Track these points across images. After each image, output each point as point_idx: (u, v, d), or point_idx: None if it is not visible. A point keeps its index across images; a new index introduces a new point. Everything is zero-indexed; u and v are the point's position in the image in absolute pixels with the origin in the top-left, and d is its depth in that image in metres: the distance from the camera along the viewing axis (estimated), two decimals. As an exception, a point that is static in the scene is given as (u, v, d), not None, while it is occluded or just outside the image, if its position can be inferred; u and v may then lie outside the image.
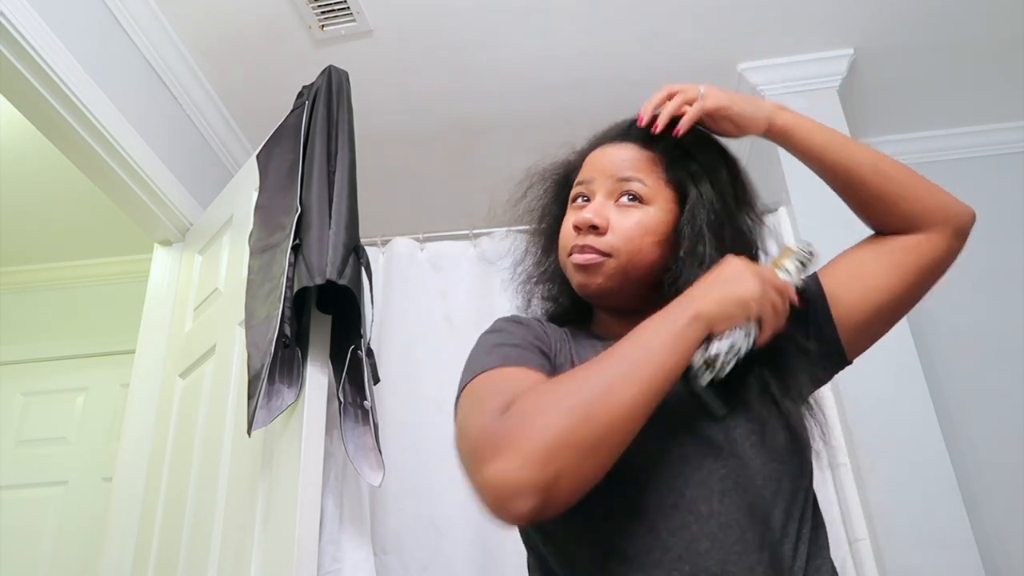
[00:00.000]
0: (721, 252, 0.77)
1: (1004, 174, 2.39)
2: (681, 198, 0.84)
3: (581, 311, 0.93)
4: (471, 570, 1.64)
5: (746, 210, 0.86)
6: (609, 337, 0.83)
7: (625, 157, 0.86)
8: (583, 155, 0.93)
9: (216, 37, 2.05)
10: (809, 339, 0.82)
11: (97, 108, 1.66)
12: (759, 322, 0.71)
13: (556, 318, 0.95)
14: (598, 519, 0.72)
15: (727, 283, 0.71)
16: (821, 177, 0.92)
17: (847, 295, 0.84)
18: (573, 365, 0.80)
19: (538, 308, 0.98)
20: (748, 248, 0.83)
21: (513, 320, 0.86)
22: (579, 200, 0.87)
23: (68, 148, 1.71)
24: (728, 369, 0.70)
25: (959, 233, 0.87)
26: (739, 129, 0.87)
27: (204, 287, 1.88)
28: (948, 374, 2.12)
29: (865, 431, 1.72)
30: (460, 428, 0.70)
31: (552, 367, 0.79)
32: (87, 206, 2.55)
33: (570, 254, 0.84)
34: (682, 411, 0.74)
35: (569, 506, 0.61)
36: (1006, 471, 1.99)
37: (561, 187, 0.95)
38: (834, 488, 1.68)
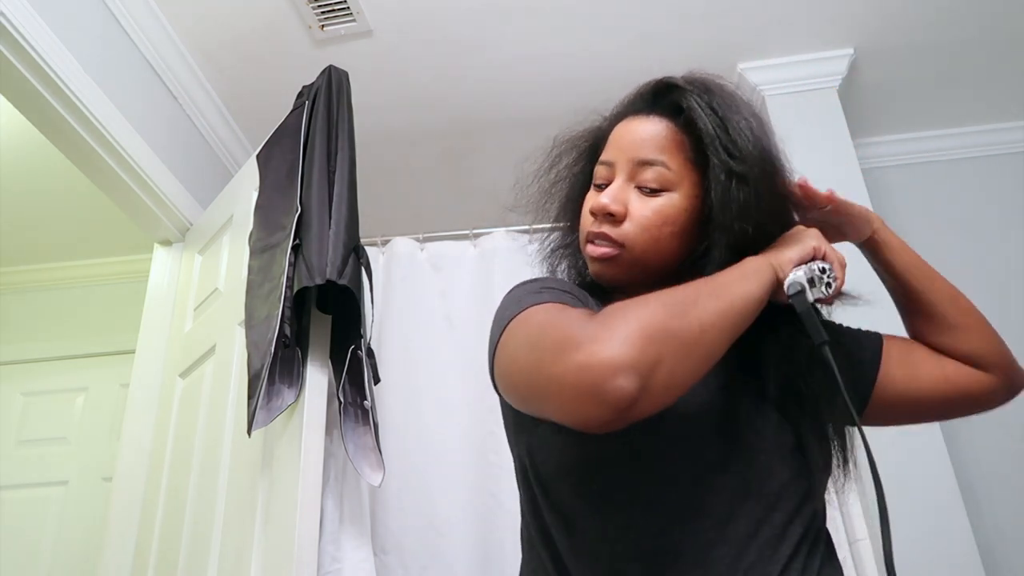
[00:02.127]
0: (743, 250, 0.73)
1: (1004, 174, 2.39)
2: (706, 182, 0.76)
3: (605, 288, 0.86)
4: (471, 570, 1.64)
5: (777, 203, 0.78)
6: None
7: (651, 134, 0.79)
8: (612, 122, 0.87)
9: (216, 37, 2.05)
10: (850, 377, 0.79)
11: (97, 108, 1.66)
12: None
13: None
14: (618, 516, 0.71)
15: (785, 239, 0.74)
16: (895, 295, 0.91)
17: (895, 370, 0.84)
18: None
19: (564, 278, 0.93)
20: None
21: (547, 277, 0.84)
22: (600, 181, 0.82)
23: (68, 148, 1.71)
24: (831, 289, 0.72)
25: (1010, 389, 0.88)
26: (840, 237, 0.85)
27: (204, 287, 1.88)
28: (948, 374, 2.12)
29: (864, 431, 1.72)
30: (523, 344, 0.66)
31: None
32: (87, 206, 2.55)
33: (587, 241, 0.81)
34: (708, 417, 0.72)
35: (665, 405, 0.58)
36: (1006, 471, 1.99)
37: (588, 158, 0.90)
38: (834, 488, 1.68)
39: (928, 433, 1.74)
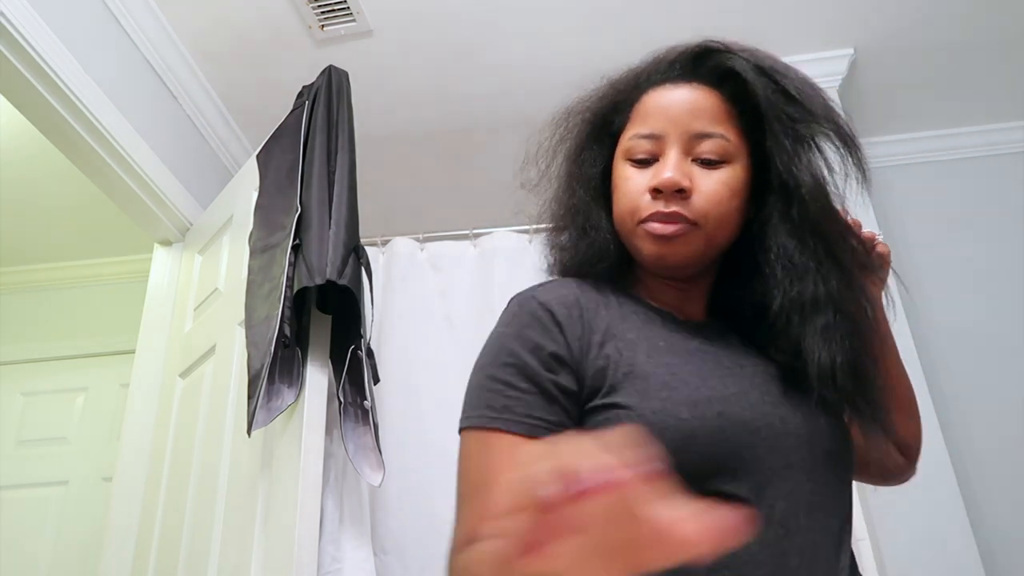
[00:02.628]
0: (811, 220, 0.72)
1: (1004, 174, 2.39)
2: (755, 151, 0.74)
3: (616, 267, 0.78)
4: (471, 570, 1.64)
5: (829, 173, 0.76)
6: (657, 303, 0.77)
7: (700, 105, 0.74)
8: (630, 93, 0.80)
9: (216, 37, 2.05)
10: None
11: (97, 108, 1.66)
12: None
13: (574, 270, 0.80)
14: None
15: None
16: None
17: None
18: (612, 346, 0.69)
19: (557, 258, 0.84)
20: (838, 217, 0.76)
21: (526, 324, 0.69)
22: (643, 156, 0.74)
23: (68, 148, 1.71)
24: None
25: (909, 477, 0.87)
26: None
27: (204, 287, 1.88)
28: (948, 374, 2.12)
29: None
30: (458, 483, 0.65)
31: (576, 378, 0.67)
32: (87, 206, 2.55)
33: (643, 221, 0.72)
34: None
35: None
36: (1006, 471, 1.99)
37: (602, 127, 0.82)
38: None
39: (928, 433, 1.74)
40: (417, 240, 2.02)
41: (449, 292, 1.94)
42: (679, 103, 0.74)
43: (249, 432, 1.34)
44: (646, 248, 0.73)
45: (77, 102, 1.60)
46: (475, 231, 2.02)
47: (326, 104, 1.61)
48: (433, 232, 2.04)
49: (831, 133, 0.76)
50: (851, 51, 2.16)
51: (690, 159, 0.73)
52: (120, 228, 2.47)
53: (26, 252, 2.91)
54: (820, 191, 0.74)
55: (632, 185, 0.74)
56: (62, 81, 1.55)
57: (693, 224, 0.71)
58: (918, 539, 1.62)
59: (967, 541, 1.64)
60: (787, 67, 0.76)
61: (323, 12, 1.98)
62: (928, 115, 2.39)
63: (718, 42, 0.77)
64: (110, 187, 1.84)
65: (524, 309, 0.71)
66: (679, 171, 0.71)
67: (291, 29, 2.03)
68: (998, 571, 1.84)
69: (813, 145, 0.75)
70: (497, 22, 2.04)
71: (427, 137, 2.44)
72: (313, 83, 1.68)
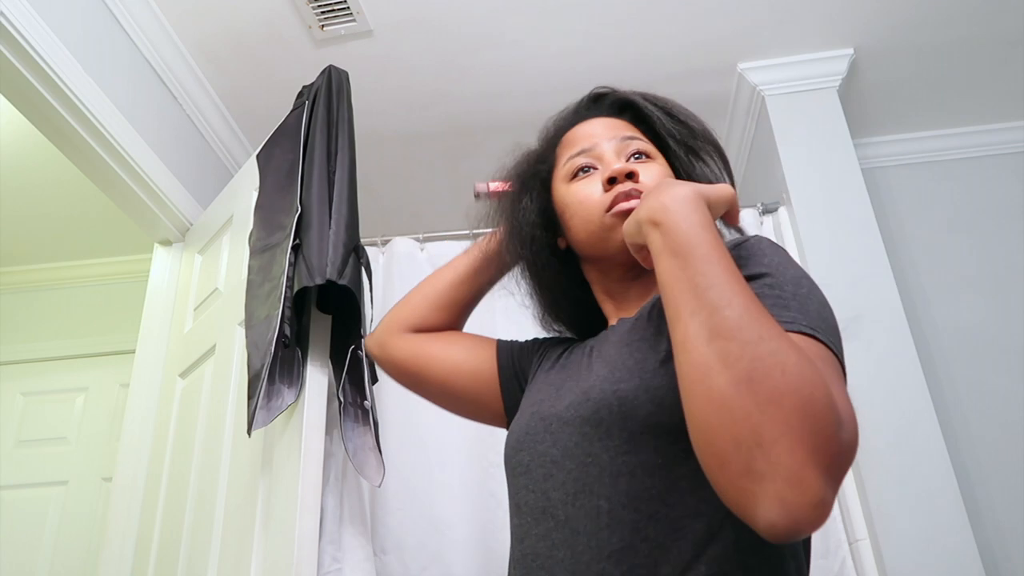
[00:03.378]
0: None
1: (1004, 174, 2.39)
2: (669, 160, 0.86)
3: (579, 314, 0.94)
4: (471, 570, 1.64)
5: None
6: (620, 312, 0.85)
7: (616, 124, 0.87)
8: (549, 145, 0.92)
9: (216, 37, 2.05)
10: None
11: (97, 108, 1.66)
12: None
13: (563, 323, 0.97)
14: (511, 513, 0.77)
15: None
16: None
17: None
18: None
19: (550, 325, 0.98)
20: None
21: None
22: (585, 170, 0.83)
23: (68, 148, 1.71)
24: None
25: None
26: None
27: (204, 287, 1.88)
28: (948, 374, 2.12)
29: (865, 431, 1.71)
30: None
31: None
32: (87, 206, 2.55)
33: (609, 208, 0.78)
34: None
35: None
36: (1006, 471, 1.99)
37: (530, 180, 0.91)
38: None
39: (928, 433, 1.74)
40: (417, 240, 2.02)
41: (449, 292, 1.94)
42: (600, 125, 0.87)
43: (249, 432, 1.34)
44: (620, 232, 0.75)
45: (77, 102, 1.60)
46: (475, 231, 2.01)
47: (326, 104, 1.61)
48: (433, 232, 2.04)
49: (711, 148, 0.87)
50: (851, 51, 2.16)
51: (623, 159, 0.82)
52: (120, 228, 2.47)
53: (26, 252, 2.91)
54: None
55: (582, 192, 0.82)
56: (62, 81, 1.55)
57: (640, 196, 0.77)
58: (918, 539, 1.62)
59: (967, 541, 1.64)
60: (669, 98, 0.89)
61: (323, 12, 1.98)
62: (928, 115, 2.39)
63: (606, 86, 0.92)
64: (110, 187, 1.84)
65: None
66: (621, 162, 0.81)
67: (291, 29, 2.03)
68: (998, 571, 1.84)
69: (700, 158, 0.86)
70: (497, 23, 2.04)
71: (427, 137, 2.44)
72: (313, 83, 1.68)
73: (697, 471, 0.52)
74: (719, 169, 0.86)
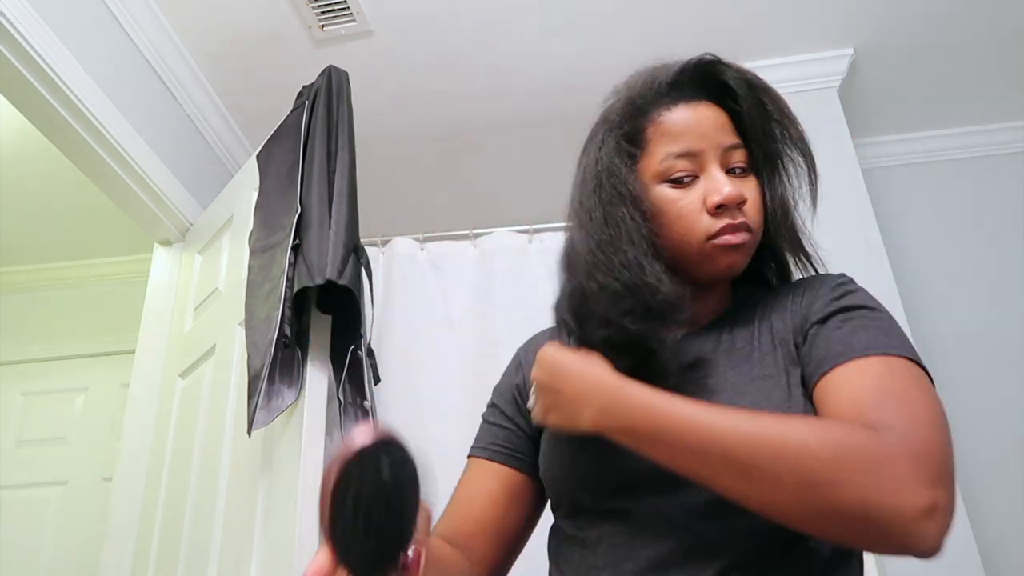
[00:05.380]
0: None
1: (1004, 174, 2.39)
2: (774, 169, 0.79)
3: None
4: (471, 570, 1.64)
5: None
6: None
7: (721, 120, 0.77)
8: (642, 109, 0.78)
9: (216, 37, 2.05)
10: None
11: (97, 108, 1.66)
12: None
13: None
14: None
15: None
16: None
17: None
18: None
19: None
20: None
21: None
22: (682, 174, 0.74)
23: (68, 148, 1.71)
24: None
25: None
26: None
27: (204, 287, 1.88)
28: (948, 374, 2.12)
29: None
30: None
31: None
32: (87, 206, 2.55)
33: (714, 236, 0.73)
34: None
35: None
36: (1006, 471, 1.99)
37: (626, 145, 0.78)
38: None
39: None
40: (417, 240, 2.02)
41: (449, 292, 1.94)
42: (705, 120, 0.76)
43: (249, 432, 1.34)
44: (721, 262, 0.74)
45: (77, 102, 1.60)
46: (475, 231, 2.01)
47: (326, 104, 1.61)
48: (433, 232, 2.04)
49: (800, 159, 0.80)
50: (851, 51, 2.16)
51: (724, 171, 0.75)
52: (120, 228, 2.47)
53: (26, 252, 2.91)
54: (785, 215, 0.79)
55: (684, 207, 0.74)
56: (62, 81, 1.55)
57: (750, 231, 0.74)
58: (918, 539, 1.62)
59: (967, 541, 1.64)
60: (775, 95, 0.80)
61: (323, 12, 1.98)
62: (928, 115, 2.39)
63: (714, 57, 0.80)
64: (110, 187, 1.84)
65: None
66: (734, 184, 0.74)
67: (291, 29, 2.03)
68: (998, 571, 1.84)
69: (781, 166, 0.79)
70: (497, 22, 2.04)
71: (427, 137, 2.44)
72: (313, 83, 1.68)
73: None
74: (800, 176, 0.80)
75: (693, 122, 0.76)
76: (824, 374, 0.64)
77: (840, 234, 1.96)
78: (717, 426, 0.58)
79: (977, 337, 2.17)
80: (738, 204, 0.73)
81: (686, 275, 0.75)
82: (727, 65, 0.79)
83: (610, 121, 0.80)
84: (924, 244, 2.31)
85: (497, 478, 0.83)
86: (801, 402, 0.67)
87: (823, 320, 0.68)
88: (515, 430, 0.85)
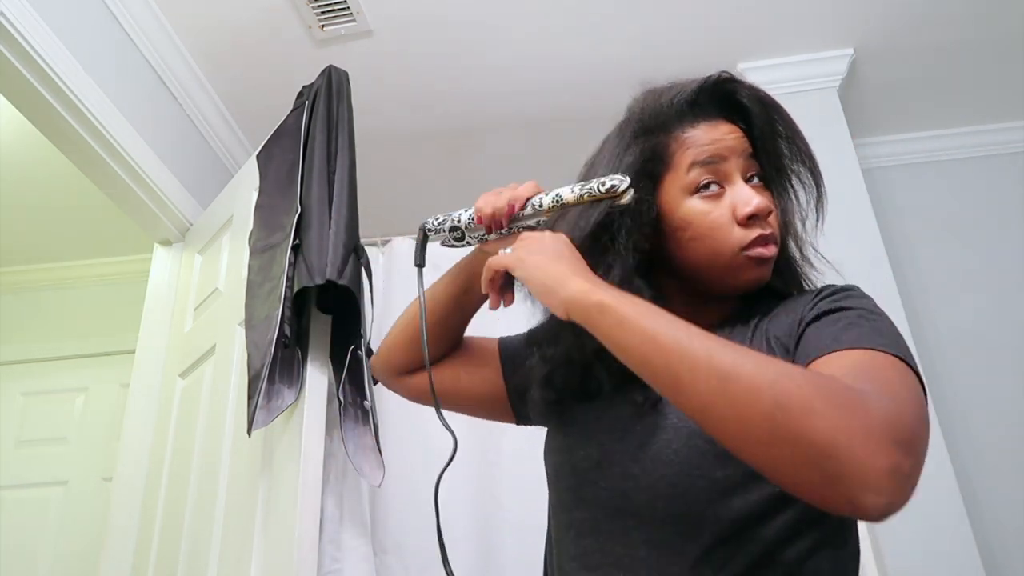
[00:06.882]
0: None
1: (1004, 174, 2.39)
2: (788, 188, 0.81)
3: None
4: (471, 570, 1.64)
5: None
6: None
7: (739, 134, 0.78)
8: (664, 126, 0.79)
9: (216, 37, 2.05)
10: None
11: (97, 108, 1.66)
12: None
13: None
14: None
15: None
16: None
17: None
18: None
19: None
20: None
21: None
22: (711, 186, 0.75)
23: (68, 148, 1.71)
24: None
25: None
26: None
27: (204, 287, 1.88)
28: (948, 374, 2.12)
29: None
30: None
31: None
32: (87, 206, 2.55)
33: (747, 247, 0.73)
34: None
35: None
36: (1006, 471, 1.99)
37: (647, 154, 0.78)
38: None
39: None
40: (417, 240, 2.02)
41: (449, 292, 1.94)
42: (727, 134, 0.78)
43: (249, 432, 1.34)
44: (751, 274, 0.75)
45: (77, 102, 1.60)
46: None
47: (326, 104, 1.61)
48: (433, 232, 2.04)
49: (808, 176, 0.81)
50: (851, 51, 2.16)
51: (744, 180, 0.77)
52: (120, 228, 2.47)
53: (26, 252, 2.92)
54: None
55: (716, 218, 0.75)
56: (62, 81, 1.55)
57: (776, 243, 0.76)
58: (918, 539, 1.62)
59: (967, 541, 1.64)
60: (789, 118, 0.82)
61: (323, 12, 1.98)
62: (928, 115, 2.39)
63: (733, 76, 0.82)
64: (110, 187, 1.84)
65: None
66: (760, 196, 0.75)
67: (291, 29, 2.03)
68: (998, 571, 1.84)
69: (789, 185, 0.80)
70: (496, 22, 2.04)
71: (427, 137, 2.44)
72: (313, 83, 1.69)
73: None
74: (807, 193, 0.81)
75: (717, 136, 0.78)
76: (808, 364, 0.64)
77: (840, 234, 1.96)
78: (707, 336, 0.57)
79: (977, 337, 2.17)
80: (766, 215, 0.75)
81: (708, 286, 0.77)
82: (740, 83, 0.81)
83: (627, 139, 0.80)
84: (924, 244, 2.31)
85: (493, 355, 1.00)
86: None
87: (817, 318, 0.68)
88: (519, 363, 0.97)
